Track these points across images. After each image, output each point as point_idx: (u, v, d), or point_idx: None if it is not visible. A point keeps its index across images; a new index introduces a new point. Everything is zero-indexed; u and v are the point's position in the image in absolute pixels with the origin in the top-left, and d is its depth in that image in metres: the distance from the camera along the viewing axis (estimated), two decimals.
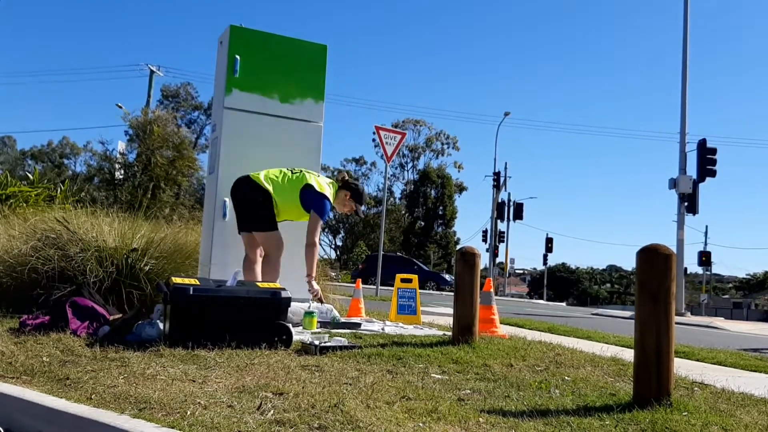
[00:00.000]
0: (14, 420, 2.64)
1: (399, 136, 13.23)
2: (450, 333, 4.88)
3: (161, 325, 4.10)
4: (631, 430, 2.62)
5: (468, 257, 4.59)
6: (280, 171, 5.14)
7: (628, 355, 4.02)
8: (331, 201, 5.18)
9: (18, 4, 71.72)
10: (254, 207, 4.96)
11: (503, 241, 39.79)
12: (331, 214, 5.37)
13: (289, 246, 5.44)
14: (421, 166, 49.80)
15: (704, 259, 31.72)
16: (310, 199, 5.03)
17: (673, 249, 3.13)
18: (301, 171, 5.17)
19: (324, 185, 5.14)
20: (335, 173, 48.17)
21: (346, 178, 5.46)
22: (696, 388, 3.63)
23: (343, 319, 5.39)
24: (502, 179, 38.29)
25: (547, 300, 44.34)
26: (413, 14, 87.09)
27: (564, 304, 38.68)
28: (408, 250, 45.84)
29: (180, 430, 2.27)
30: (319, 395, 2.77)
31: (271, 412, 2.49)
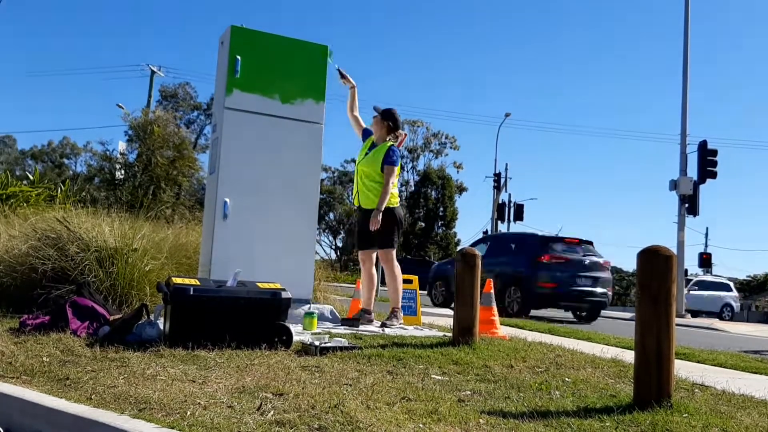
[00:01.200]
0: (14, 420, 2.64)
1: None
2: (450, 334, 4.87)
3: (161, 326, 4.10)
4: (632, 431, 2.61)
5: (468, 258, 4.59)
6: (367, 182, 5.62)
7: (629, 356, 4.02)
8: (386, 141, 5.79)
9: (18, 4, 71.83)
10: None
11: None
12: (398, 153, 5.94)
13: (288, 249, 5.44)
14: (420, 167, 49.80)
15: (705, 260, 31.68)
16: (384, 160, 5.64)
17: (674, 250, 3.13)
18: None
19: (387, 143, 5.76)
20: (335, 172, 47.90)
21: (378, 108, 5.89)
22: (696, 390, 3.62)
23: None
24: (502, 180, 38.31)
25: None
26: (413, 15, 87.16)
27: None
28: (408, 251, 45.84)
29: (180, 430, 2.27)
30: (319, 396, 2.76)
31: (271, 412, 2.49)
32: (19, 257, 5.33)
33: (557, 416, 2.74)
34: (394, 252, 5.60)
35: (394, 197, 5.64)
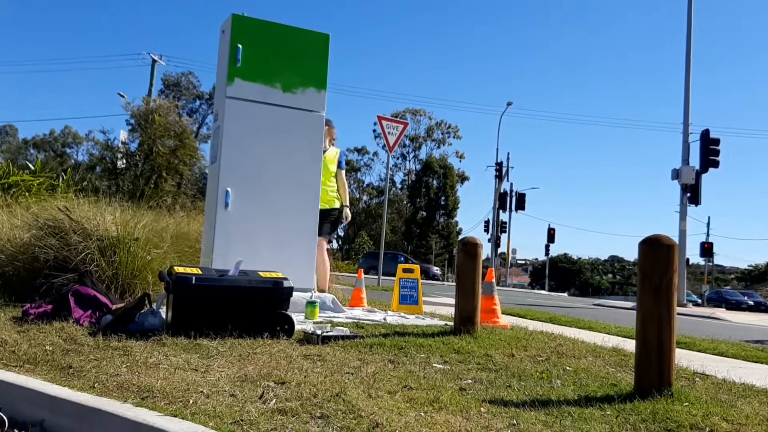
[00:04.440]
0: (17, 408, 2.65)
1: (401, 126, 13.17)
2: (452, 323, 4.88)
3: (164, 315, 4.11)
4: (632, 420, 2.62)
5: (469, 247, 4.59)
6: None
7: (630, 345, 4.02)
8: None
9: None
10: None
11: (505, 232, 39.79)
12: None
13: (289, 238, 5.44)
14: (422, 156, 49.72)
15: (706, 249, 31.69)
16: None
17: (676, 240, 3.12)
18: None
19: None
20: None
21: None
22: (697, 379, 3.63)
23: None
24: (504, 169, 38.26)
25: (549, 290, 44.39)
26: (414, 4, 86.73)
27: (566, 294, 38.75)
28: (410, 240, 45.88)
29: (182, 418, 2.28)
30: (321, 384, 2.77)
31: (273, 401, 2.50)
32: (21, 246, 5.34)
33: (558, 405, 2.75)
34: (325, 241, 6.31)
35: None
